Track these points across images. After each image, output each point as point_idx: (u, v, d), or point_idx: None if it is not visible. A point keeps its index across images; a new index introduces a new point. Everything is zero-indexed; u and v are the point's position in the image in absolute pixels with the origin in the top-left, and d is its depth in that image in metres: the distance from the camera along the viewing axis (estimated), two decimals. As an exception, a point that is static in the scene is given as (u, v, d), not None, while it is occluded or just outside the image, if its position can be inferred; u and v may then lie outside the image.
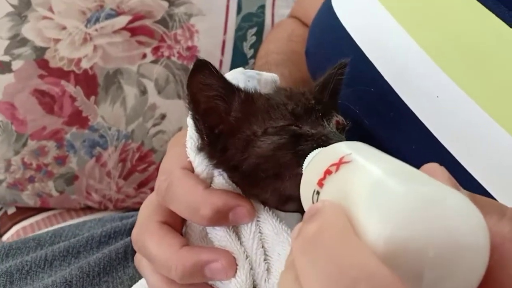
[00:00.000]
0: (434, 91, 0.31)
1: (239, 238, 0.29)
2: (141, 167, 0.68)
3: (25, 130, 0.64)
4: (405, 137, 0.32)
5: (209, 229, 0.30)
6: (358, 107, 0.36)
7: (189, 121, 0.31)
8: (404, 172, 0.18)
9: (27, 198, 0.67)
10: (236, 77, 0.33)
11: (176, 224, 0.31)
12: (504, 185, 0.27)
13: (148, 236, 0.30)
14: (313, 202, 0.20)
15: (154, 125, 0.67)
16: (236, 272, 0.28)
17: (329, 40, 0.42)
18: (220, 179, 0.30)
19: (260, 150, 0.28)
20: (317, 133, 0.28)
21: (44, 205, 0.69)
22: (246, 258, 0.29)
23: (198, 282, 0.29)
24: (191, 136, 0.31)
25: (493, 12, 0.31)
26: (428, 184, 0.17)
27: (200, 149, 0.30)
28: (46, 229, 0.48)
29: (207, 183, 0.30)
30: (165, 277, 0.30)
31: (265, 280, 0.28)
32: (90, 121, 0.65)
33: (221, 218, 0.28)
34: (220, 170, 0.30)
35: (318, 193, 0.20)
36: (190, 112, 0.30)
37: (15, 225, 0.69)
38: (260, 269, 0.28)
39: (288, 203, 0.30)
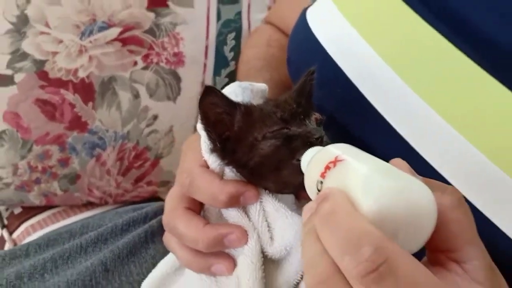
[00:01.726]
0: (390, 90, 0.39)
1: (247, 216, 0.37)
2: (138, 164, 0.75)
3: (30, 137, 0.70)
4: (372, 129, 0.40)
5: (223, 211, 0.38)
6: (334, 107, 0.44)
7: (201, 131, 0.39)
8: (382, 168, 0.27)
9: (34, 198, 0.73)
10: (235, 89, 0.40)
11: (196, 209, 0.39)
12: (450, 167, 0.35)
13: (177, 219, 0.37)
14: (317, 189, 0.28)
15: (148, 125, 0.74)
16: (247, 240, 0.37)
17: (305, 50, 0.50)
18: (230, 172, 0.38)
19: (262, 151, 0.36)
20: (303, 131, 0.36)
21: (49, 204, 0.75)
22: (254, 230, 0.37)
23: (219, 250, 0.37)
24: (204, 141, 0.39)
25: (429, 24, 0.39)
26: (399, 177, 0.26)
27: (212, 151, 0.38)
28: (56, 225, 0.54)
29: (221, 176, 0.38)
30: (192, 249, 0.38)
31: (269, 245, 0.37)
32: (89, 125, 0.71)
33: (234, 201, 0.36)
34: (230, 167, 0.38)
35: (321, 182, 0.28)
36: (202, 125, 0.38)
37: (23, 223, 0.75)
38: (265, 237, 0.37)
39: (285, 188, 0.38)
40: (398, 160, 0.28)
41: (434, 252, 0.27)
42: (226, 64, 0.78)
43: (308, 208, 0.27)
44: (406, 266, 0.23)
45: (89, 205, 0.76)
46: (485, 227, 0.31)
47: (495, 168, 0.33)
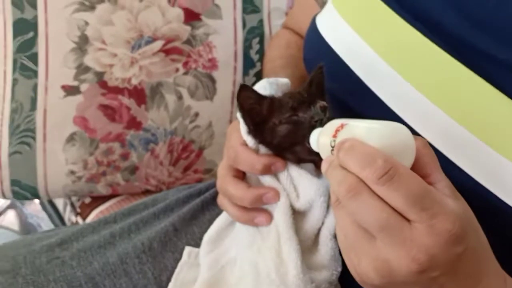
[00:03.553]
0: (386, 79, 0.51)
1: (279, 180, 0.49)
2: (185, 155, 0.88)
3: (96, 136, 0.84)
4: (371, 108, 0.52)
5: (260, 177, 0.50)
6: (343, 95, 0.56)
7: (239, 118, 0.51)
8: (377, 122, 0.38)
9: (101, 188, 0.88)
10: (264, 85, 0.52)
11: (241, 176, 0.51)
12: (421, 122, 0.48)
13: (228, 184, 0.50)
14: (331, 146, 0.40)
15: (191, 122, 0.87)
16: (279, 198, 0.49)
17: (317, 50, 0.61)
18: (263, 148, 0.50)
19: (279, 133, 0.48)
20: (307, 116, 0.46)
21: (113, 193, 0.89)
22: (284, 190, 0.49)
23: (259, 206, 0.50)
24: (243, 125, 0.51)
25: (418, 30, 0.51)
26: (389, 124, 0.38)
27: (248, 133, 0.51)
28: (142, 199, 0.68)
29: (257, 151, 0.50)
30: (240, 206, 0.50)
31: (296, 201, 0.49)
32: (143, 124, 0.85)
33: (267, 169, 0.49)
34: (261, 144, 0.50)
35: (334, 141, 0.39)
36: (240, 113, 0.50)
37: (93, 211, 0.89)
38: (293, 196, 0.49)
39: (301, 160, 0.50)
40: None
41: None
42: (253, 65, 0.91)
43: (325, 161, 0.39)
44: (405, 169, 0.35)
45: (147, 192, 0.89)
46: (447, 166, 0.43)
47: (452, 122, 0.45)
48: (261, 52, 0.91)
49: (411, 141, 0.38)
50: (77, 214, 0.90)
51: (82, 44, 0.83)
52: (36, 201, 1.17)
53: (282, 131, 0.48)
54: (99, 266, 0.55)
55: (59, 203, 0.99)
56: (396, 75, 0.50)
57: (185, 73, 0.86)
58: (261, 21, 0.91)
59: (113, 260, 0.56)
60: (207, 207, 0.62)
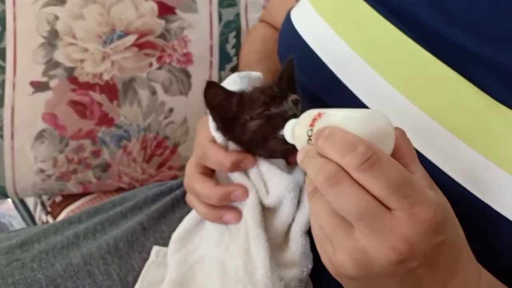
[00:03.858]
0: (359, 73, 0.50)
1: (248, 177, 0.48)
2: (159, 152, 0.86)
3: (66, 133, 0.81)
4: (344, 101, 0.50)
5: (230, 174, 0.49)
6: (315, 88, 0.55)
7: (208, 115, 0.49)
8: (354, 110, 0.37)
9: (72, 186, 0.85)
10: (235, 79, 0.50)
11: (209, 174, 0.49)
12: (395, 117, 0.45)
13: (195, 182, 0.48)
14: (308, 135, 0.38)
15: (165, 117, 0.85)
16: (248, 195, 0.47)
17: (291, 44, 0.60)
18: (232, 145, 0.48)
19: (251, 129, 0.46)
20: (280, 111, 0.45)
21: (85, 191, 0.87)
22: (253, 187, 0.47)
23: (228, 204, 0.48)
24: (211, 122, 0.49)
25: (389, 21, 0.50)
26: (367, 112, 0.37)
27: (217, 129, 0.49)
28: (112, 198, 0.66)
29: (226, 148, 0.48)
30: (207, 204, 0.48)
31: (265, 197, 0.47)
32: (115, 120, 0.82)
33: (236, 166, 0.47)
34: (231, 141, 0.49)
35: (311, 130, 0.38)
36: (208, 110, 0.48)
37: (64, 209, 0.87)
38: (263, 192, 0.47)
39: (274, 154, 0.49)
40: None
41: None
42: (229, 60, 0.89)
43: (301, 151, 0.38)
44: (386, 156, 0.34)
45: (119, 190, 0.87)
46: (420, 160, 0.41)
47: (425, 116, 0.44)
48: (237, 46, 0.89)
49: (391, 129, 0.37)
50: (47, 213, 0.88)
51: (52, 39, 0.80)
52: (9, 200, 1.14)
53: (254, 127, 0.47)
54: (61, 267, 0.53)
55: (30, 202, 0.96)
56: (370, 69, 0.49)
57: (159, 68, 0.84)
58: (238, 15, 0.90)
59: (76, 261, 0.54)
60: (177, 205, 0.60)
